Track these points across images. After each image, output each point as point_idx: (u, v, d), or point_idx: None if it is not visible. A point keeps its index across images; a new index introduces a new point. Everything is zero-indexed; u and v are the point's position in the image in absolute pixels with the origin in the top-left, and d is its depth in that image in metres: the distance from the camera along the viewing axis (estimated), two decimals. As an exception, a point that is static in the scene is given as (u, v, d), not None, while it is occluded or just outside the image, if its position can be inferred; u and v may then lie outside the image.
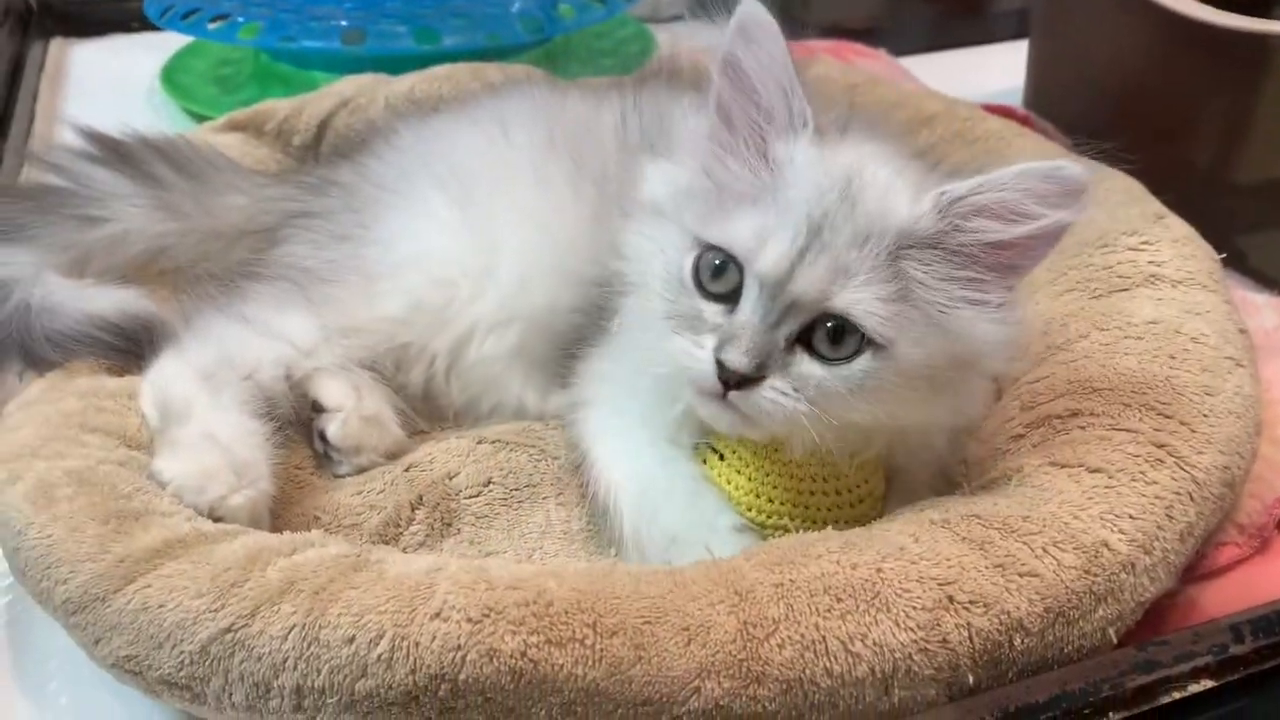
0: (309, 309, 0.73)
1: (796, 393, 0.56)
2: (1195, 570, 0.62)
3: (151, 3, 1.19)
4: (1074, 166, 0.53)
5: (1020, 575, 0.54)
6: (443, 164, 0.77)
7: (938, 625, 0.52)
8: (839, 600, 0.52)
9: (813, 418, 0.56)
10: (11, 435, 0.64)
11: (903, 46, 1.32)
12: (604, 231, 0.70)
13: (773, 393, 0.56)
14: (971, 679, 0.52)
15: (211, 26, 1.15)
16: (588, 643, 0.50)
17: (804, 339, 0.57)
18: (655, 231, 0.62)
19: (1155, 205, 0.78)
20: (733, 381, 0.56)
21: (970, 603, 0.52)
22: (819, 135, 0.59)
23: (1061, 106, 1.12)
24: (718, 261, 0.58)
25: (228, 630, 0.52)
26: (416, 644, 0.50)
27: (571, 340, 0.71)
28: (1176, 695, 0.53)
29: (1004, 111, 1.00)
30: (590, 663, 0.50)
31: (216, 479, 0.62)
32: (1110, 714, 0.52)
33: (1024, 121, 1.00)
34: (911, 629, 0.51)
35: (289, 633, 0.51)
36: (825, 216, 0.56)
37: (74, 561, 0.55)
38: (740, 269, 0.57)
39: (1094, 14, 1.07)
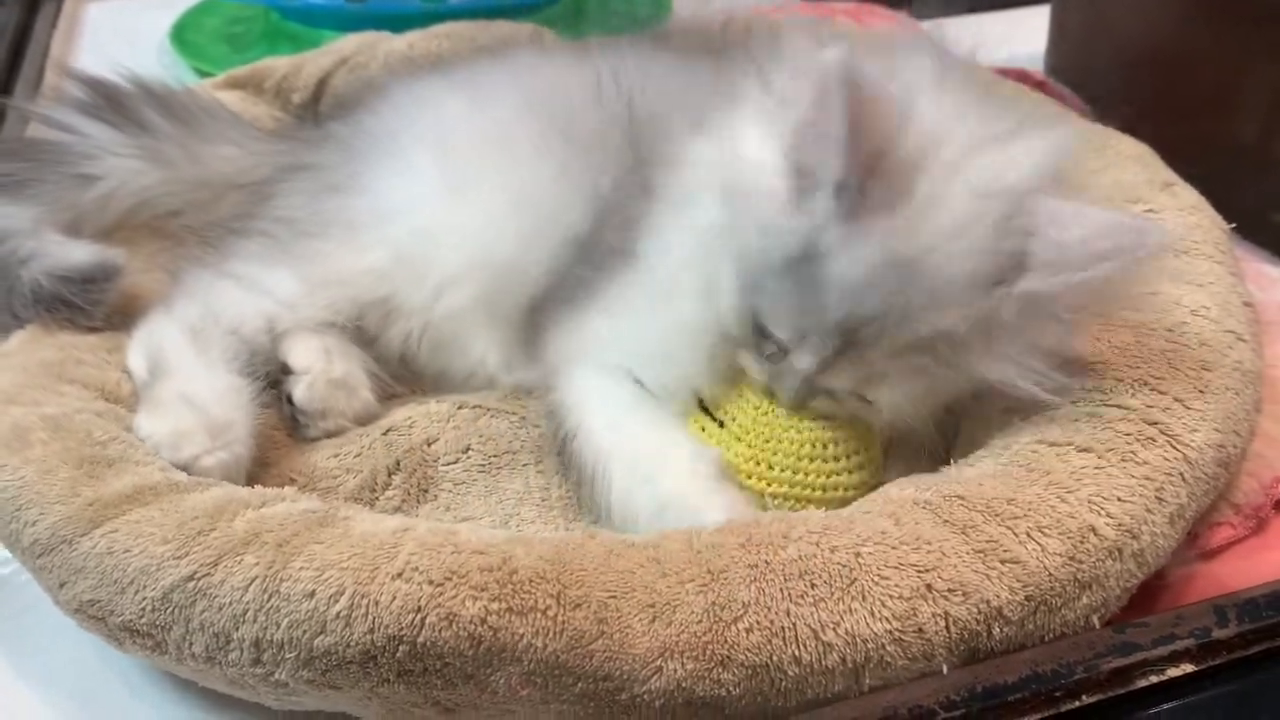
0: (291, 264, 0.72)
1: (840, 401, 0.60)
2: (1187, 551, 0.60)
3: (161, -42, 1.18)
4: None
5: (1002, 562, 0.52)
6: (427, 123, 0.76)
7: (914, 615, 0.50)
8: (813, 586, 0.50)
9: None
10: (-12, 384, 0.64)
11: (931, 10, 1.29)
12: (578, 194, 0.70)
13: (821, 403, 0.60)
14: (946, 668, 0.51)
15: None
16: (550, 613, 0.49)
17: None
18: (704, 258, 0.61)
19: (1165, 173, 0.76)
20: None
21: (949, 591, 0.51)
22: (864, 206, 0.53)
23: (1085, 74, 1.08)
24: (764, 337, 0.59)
25: (190, 578, 0.51)
26: (376, 603, 0.49)
27: (541, 300, 0.70)
28: (1154, 679, 0.51)
29: (1019, 76, 0.97)
30: (551, 634, 0.49)
31: (191, 439, 0.62)
32: (1083, 696, 0.50)
33: (1040, 86, 0.97)
34: (886, 619, 0.50)
35: (250, 584, 0.50)
36: (864, 326, 0.55)
37: (44, 503, 0.55)
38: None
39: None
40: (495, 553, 0.51)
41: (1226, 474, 0.59)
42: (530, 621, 0.49)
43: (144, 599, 0.52)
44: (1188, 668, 0.51)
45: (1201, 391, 0.59)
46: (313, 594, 0.50)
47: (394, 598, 0.49)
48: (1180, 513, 0.55)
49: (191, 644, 0.51)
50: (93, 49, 1.27)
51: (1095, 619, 0.53)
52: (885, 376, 0.57)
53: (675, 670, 0.49)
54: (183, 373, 0.66)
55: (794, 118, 0.56)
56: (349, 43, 0.98)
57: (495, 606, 0.49)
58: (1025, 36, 1.20)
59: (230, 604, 0.50)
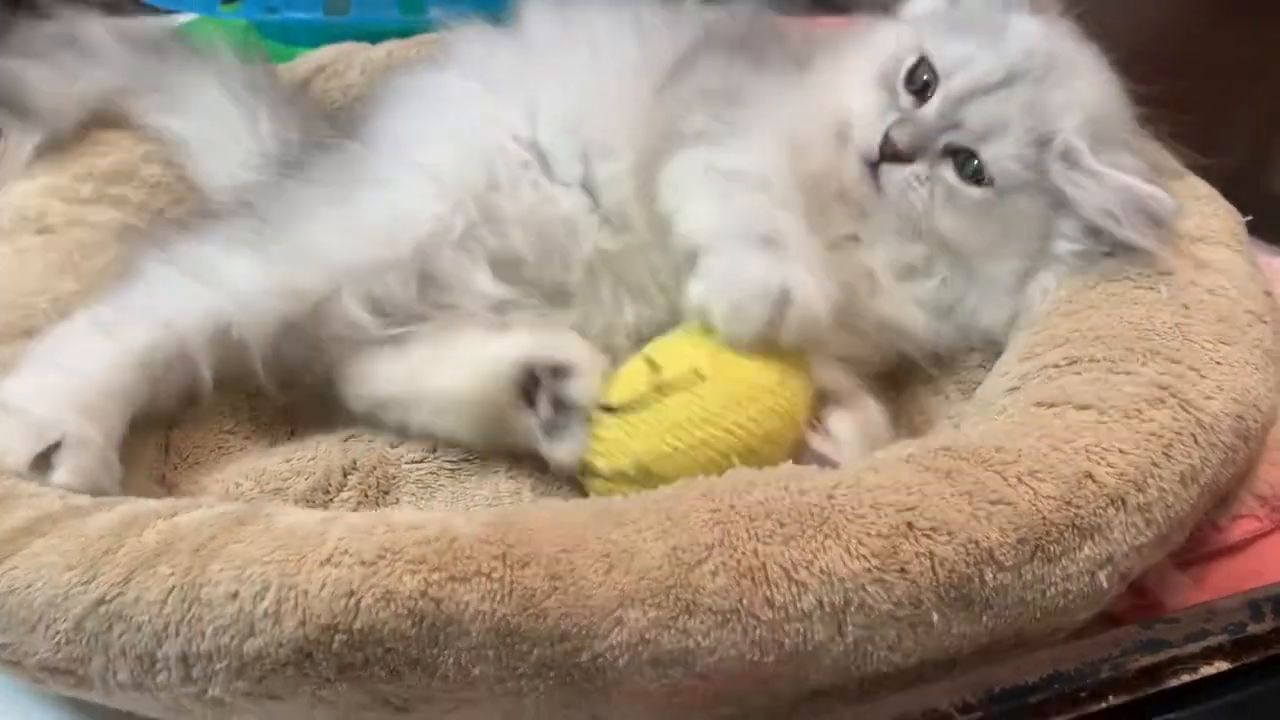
0: (261, 248, 0.65)
1: (928, 185, 0.65)
2: (1210, 544, 0.56)
3: (139, -23, 1.17)
4: (1167, 201, 0.63)
5: (990, 503, 0.48)
6: (456, 62, 0.75)
7: (895, 553, 0.46)
8: (781, 525, 0.47)
9: (923, 218, 0.65)
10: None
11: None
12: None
13: (912, 176, 0.65)
14: (937, 617, 0.46)
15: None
16: (495, 575, 0.45)
17: (954, 153, 0.65)
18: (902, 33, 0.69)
19: (1173, 164, 0.72)
20: (888, 154, 0.65)
21: (932, 529, 0.47)
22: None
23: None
24: (925, 76, 0.66)
25: (101, 602, 0.47)
26: (305, 593, 0.45)
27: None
28: (1186, 678, 0.47)
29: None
30: (499, 597, 0.45)
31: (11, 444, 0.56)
32: (1110, 697, 0.46)
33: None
34: (864, 556, 0.46)
35: (168, 595, 0.46)
36: (1016, 78, 0.65)
37: (-67, 556, 0.50)
38: (937, 79, 0.66)
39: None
40: (433, 525, 0.47)
41: (1246, 449, 0.54)
42: (475, 587, 0.45)
43: (56, 633, 0.47)
44: (1222, 665, 0.47)
45: (1219, 364, 0.55)
46: (236, 595, 0.46)
47: (324, 585, 0.45)
48: (1193, 475, 0.51)
49: (115, 672, 0.47)
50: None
51: (1102, 576, 0.49)
52: (1007, 129, 0.64)
53: (637, 619, 0.45)
54: (16, 376, 0.60)
55: None
56: (326, 52, 0.96)
57: (436, 577, 0.45)
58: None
59: (149, 621, 0.46)
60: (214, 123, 0.81)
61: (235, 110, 0.80)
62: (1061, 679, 0.46)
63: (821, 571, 0.46)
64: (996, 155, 0.64)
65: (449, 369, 0.64)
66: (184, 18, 1.19)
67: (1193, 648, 0.47)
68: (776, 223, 0.61)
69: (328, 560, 0.46)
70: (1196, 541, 0.56)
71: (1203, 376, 0.55)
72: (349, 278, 0.64)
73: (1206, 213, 0.68)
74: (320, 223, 0.66)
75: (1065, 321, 0.61)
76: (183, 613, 0.46)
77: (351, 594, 0.45)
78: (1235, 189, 0.72)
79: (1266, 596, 0.49)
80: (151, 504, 0.52)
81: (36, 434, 0.56)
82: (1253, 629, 0.48)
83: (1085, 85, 0.67)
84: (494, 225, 0.67)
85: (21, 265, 0.70)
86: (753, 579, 0.45)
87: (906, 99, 0.66)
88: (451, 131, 0.69)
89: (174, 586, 0.46)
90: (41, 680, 0.49)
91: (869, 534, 0.46)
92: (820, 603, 0.45)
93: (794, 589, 0.45)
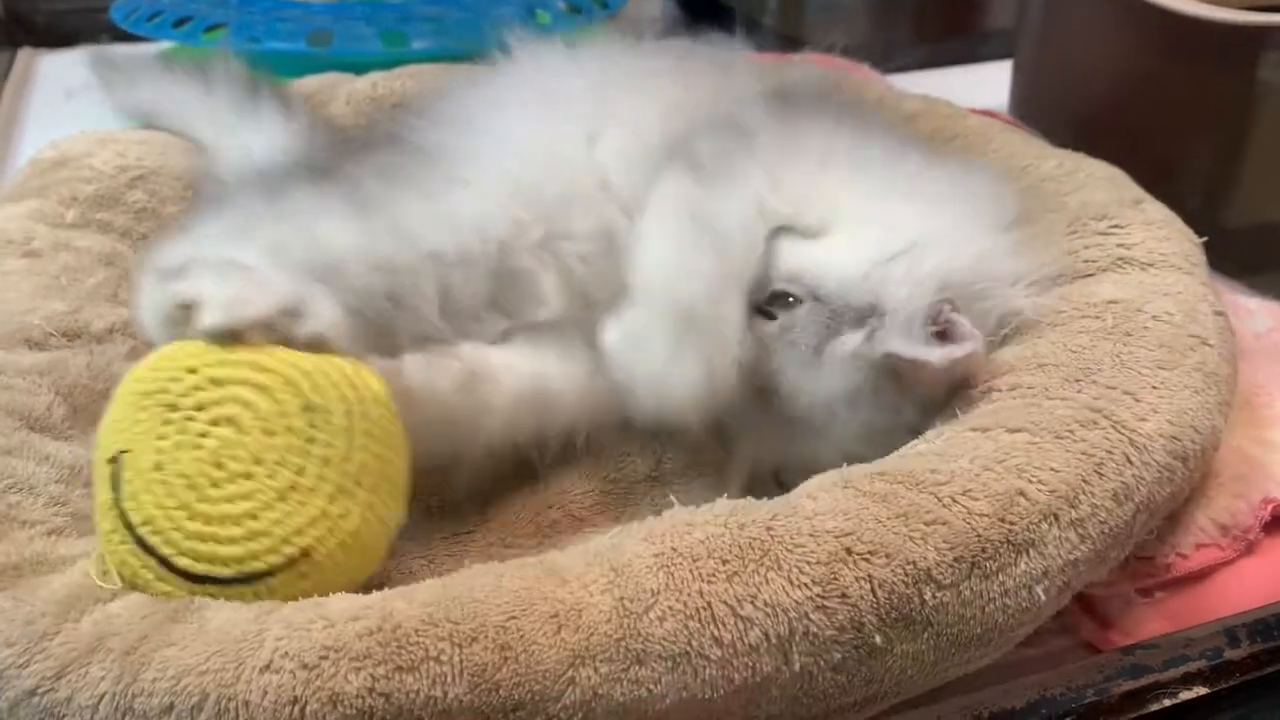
0: (357, 218, 0.64)
1: None
2: (1173, 571, 0.58)
3: (118, 7, 1.18)
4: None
5: (925, 524, 0.49)
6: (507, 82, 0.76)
7: (835, 579, 0.47)
8: (724, 563, 0.47)
9: None
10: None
11: (895, 66, 1.30)
12: None
13: None
14: (879, 639, 0.47)
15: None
16: (444, 658, 0.44)
17: None
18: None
19: (1134, 191, 0.74)
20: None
21: (870, 553, 0.48)
22: None
23: (1048, 119, 1.09)
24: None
25: (33, 693, 0.44)
26: (246, 704, 0.43)
27: None
28: (1167, 702, 0.49)
29: (988, 114, 0.97)
30: (450, 679, 0.44)
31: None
32: (1096, 721, 0.48)
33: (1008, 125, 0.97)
34: (805, 585, 0.47)
35: (99, 701, 0.44)
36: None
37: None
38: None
39: (1084, 21, 1.03)
40: (373, 614, 0.46)
41: (1185, 470, 0.55)
42: (424, 674, 0.44)
43: (-8, 706, 0.45)
44: (1200, 690, 0.49)
45: (1155, 388, 0.57)
46: (171, 707, 0.43)
47: (265, 693, 0.43)
48: (1127, 493, 0.52)
49: None
50: (46, 102, 1.25)
51: (1039, 590, 0.50)
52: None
53: (589, 677, 0.45)
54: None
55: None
56: (310, 82, 0.97)
57: (381, 671, 0.44)
58: (989, 91, 1.21)
59: None
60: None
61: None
62: (1048, 703, 0.48)
63: (765, 604, 0.46)
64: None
65: None
66: (164, 45, 1.20)
67: (1173, 673, 0.49)
68: (714, 305, 0.59)
69: (267, 666, 0.44)
70: (1159, 569, 0.58)
71: (1137, 400, 0.56)
72: (436, 262, 0.64)
73: (1159, 237, 0.69)
74: (409, 205, 0.65)
75: (1013, 349, 0.62)
76: (116, 721, 0.44)
77: (295, 700, 0.43)
78: (1192, 221, 0.73)
79: (1242, 623, 0.51)
80: (94, 584, 0.50)
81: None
82: (1229, 655, 0.50)
83: None
84: (566, 240, 0.67)
85: (10, 286, 0.71)
86: (699, 619, 0.46)
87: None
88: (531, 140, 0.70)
89: (106, 693, 0.44)
90: None
91: (809, 562, 0.47)
92: (766, 635, 0.46)
93: (740, 625, 0.46)
